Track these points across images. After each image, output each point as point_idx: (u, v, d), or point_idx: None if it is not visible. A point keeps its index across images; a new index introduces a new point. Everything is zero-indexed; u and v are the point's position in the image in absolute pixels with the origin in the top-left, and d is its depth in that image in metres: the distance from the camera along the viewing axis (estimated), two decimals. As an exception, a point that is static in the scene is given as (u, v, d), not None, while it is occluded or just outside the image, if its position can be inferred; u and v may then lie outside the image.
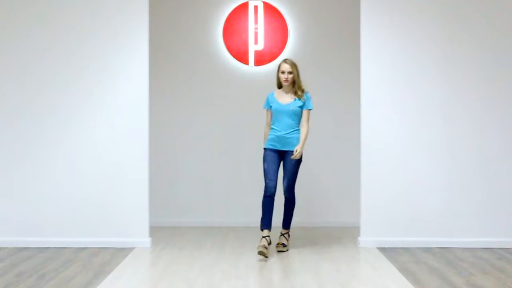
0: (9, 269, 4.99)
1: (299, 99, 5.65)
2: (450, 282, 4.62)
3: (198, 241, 6.17)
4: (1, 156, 5.89)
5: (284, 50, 7.10)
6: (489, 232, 5.91)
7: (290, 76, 5.64)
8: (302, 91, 5.67)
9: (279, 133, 5.66)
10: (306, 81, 7.02)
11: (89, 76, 5.87)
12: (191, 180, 7.14)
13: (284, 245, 5.74)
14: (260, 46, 7.09)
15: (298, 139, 5.64)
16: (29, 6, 5.88)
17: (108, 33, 5.86)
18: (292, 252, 5.65)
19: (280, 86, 5.77)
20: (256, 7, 7.12)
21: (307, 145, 7.04)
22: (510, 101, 5.95)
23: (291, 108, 5.64)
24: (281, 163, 5.74)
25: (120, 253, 5.59)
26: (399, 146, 5.94)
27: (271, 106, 5.73)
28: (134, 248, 5.79)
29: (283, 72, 5.66)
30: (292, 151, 5.61)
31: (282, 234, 5.84)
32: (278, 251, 5.66)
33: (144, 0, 5.85)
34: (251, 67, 7.11)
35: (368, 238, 5.92)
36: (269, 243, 5.49)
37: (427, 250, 5.77)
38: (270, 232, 5.57)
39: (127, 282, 4.65)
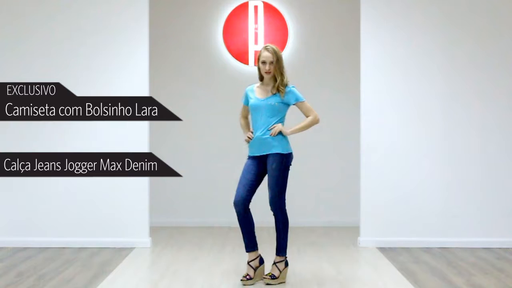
0: (9, 269, 4.99)
1: (279, 94, 4.60)
2: (450, 282, 4.62)
3: (198, 241, 6.17)
4: (1, 156, 5.90)
5: (284, 50, 7.10)
6: (489, 232, 5.91)
7: (273, 66, 4.58)
8: (284, 86, 4.59)
9: (255, 134, 4.67)
10: (306, 81, 7.03)
11: (89, 76, 5.87)
12: (191, 180, 7.13)
13: (273, 277, 4.57)
14: (260, 46, 7.07)
15: (277, 140, 4.59)
16: (29, 6, 5.88)
17: (109, 33, 5.87)
18: (292, 252, 5.64)
19: (262, 78, 4.70)
20: (256, 7, 7.11)
21: (306, 144, 7.02)
22: (511, 102, 5.95)
23: (269, 103, 4.59)
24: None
25: (120, 253, 5.59)
26: (399, 146, 5.94)
27: (248, 102, 4.74)
28: (134, 248, 5.79)
29: (263, 63, 4.58)
30: (272, 155, 4.57)
31: (274, 263, 4.65)
32: (266, 284, 4.56)
33: (145, 1, 5.86)
34: (251, 67, 7.10)
35: (368, 238, 5.92)
36: (259, 265, 4.67)
37: (427, 250, 5.76)
38: (258, 252, 4.71)
39: (127, 282, 4.65)
